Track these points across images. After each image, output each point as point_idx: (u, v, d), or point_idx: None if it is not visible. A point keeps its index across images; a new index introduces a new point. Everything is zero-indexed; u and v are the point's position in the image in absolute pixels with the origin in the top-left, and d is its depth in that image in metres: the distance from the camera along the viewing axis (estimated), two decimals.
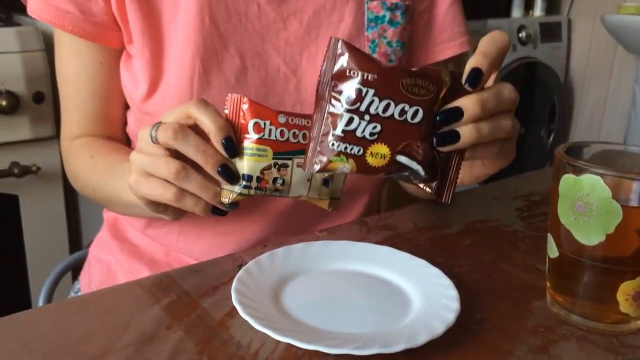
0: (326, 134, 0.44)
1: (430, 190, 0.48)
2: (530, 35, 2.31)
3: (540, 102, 2.42)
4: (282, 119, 0.49)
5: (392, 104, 0.44)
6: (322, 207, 0.52)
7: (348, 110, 0.44)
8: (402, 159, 0.45)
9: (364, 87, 0.43)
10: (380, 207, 0.89)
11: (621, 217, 0.44)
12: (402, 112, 0.44)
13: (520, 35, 2.29)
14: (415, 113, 0.44)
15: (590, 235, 0.45)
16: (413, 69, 0.45)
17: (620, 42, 2.24)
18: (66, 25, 0.65)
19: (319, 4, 0.68)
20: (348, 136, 0.44)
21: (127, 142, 0.76)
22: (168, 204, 0.52)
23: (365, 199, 0.78)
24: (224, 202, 0.50)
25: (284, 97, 0.67)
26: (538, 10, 2.48)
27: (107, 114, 0.72)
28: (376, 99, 0.44)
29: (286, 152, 0.48)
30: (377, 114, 0.44)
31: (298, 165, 0.49)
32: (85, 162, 0.68)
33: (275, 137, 0.48)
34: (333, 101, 0.44)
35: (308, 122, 0.49)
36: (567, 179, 0.46)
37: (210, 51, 0.64)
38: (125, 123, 0.74)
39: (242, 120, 0.49)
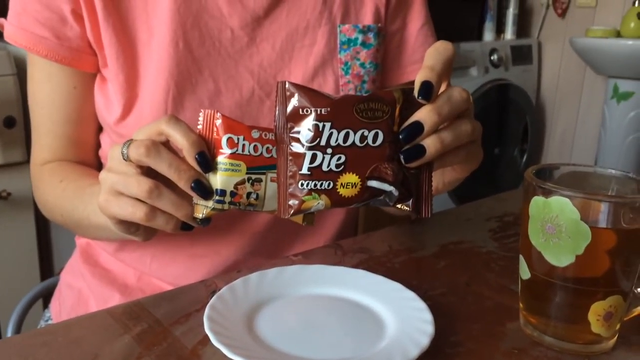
0: (293, 176, 0.45)
1: (408, 208, 0.48)
2: (502, 58, 2.35)
3: (513, 122, 2.46)
4: (255, 134, 0.49)
5: (351, 132, 0.44)
6: (297, 222, 0.52)
7: (309, 148, 0.44)
8: (373, 183, 0.45)
9: (320, 121, 0.44)
10: (357, 227, 0.89)
11: (590, 239, 0.44)
12: (363, 137, 0.44)
13: (492, 57, 2.33)
14: (376, 136, 0.45)
15: (560, 256, 0.46)
16: (364, 94, 0.45)
17: (588, 64, 2.30)
18: (41, 50, 0.65)
19: (291, 28, 0.69)
20: (315, 173, 0.44)
21: (98, 166, 0.75)
22: (139, 224, 0.51)
23: (340, 217, 0.78)
24: (197, 218, 0.49)
25: (259, 119, 0.68)
26: (509, 34, 2.54)
27: (80, 138, 0.71)
28: (334, 131, 0.44)
29: (260, 166, 0.48)
30: (339, 144, 0.44)
31: (272, 180, 0.49)
32: (54, 186, 0.67)
33: (249, 152, 0.49)
34: (292, 143, 0.45)
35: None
36: (537, 201, 0.47)
37: (184, 74, 0.65)
38: (98, 146, 0.74)
39: (215, 136, 0.49)
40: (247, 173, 0.48)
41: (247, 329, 0.48)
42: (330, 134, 0.44)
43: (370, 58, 0.72)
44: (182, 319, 0.52)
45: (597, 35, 2.24)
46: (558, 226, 0.45)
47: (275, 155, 0.49)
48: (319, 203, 0.45)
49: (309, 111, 0.44)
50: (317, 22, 0.70)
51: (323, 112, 0.44)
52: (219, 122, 0.49)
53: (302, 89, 0.45)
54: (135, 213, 0.49)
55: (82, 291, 0.75)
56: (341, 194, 0.45)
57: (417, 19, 0.78)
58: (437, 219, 0.79)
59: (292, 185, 0.45)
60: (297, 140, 0.45)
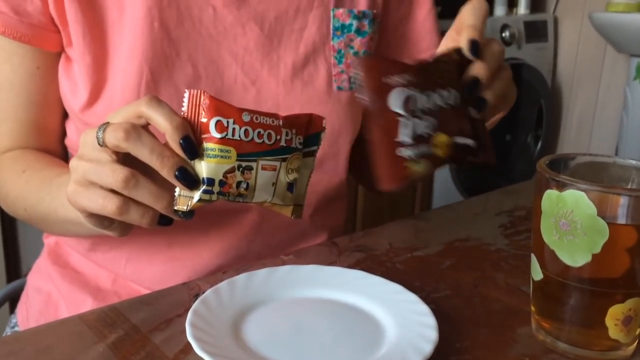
0: (392, 145, 0.50)
1: (476, 159, 0.55)
2: (514, 35, 2.35)
3: (526, 106, 2.47)
4: (246, 117, 0.48)
5: (436, 95, 0.52)
6: (285, 215, 0.52)
7: (406, 116, 0.50)
8: (459, 140, 0.53)
9: (409, 89, 0.51)
10: (355, 224, 0.90)
11: (608, 236, 0.45)
12: (445, 98, 0.53)
13: (503, 34, 2.33)
14: (454, 95, 0.54)
15: (575, 255, 0.46)
16: (430, 60, 0.54)
17: (609, 41, 2.30)
18: None
19: (281, 9, 0.69)
20: (416, 139, 0.50)
21: (64, 155, 0.75)
22: (112, 222, 0.51)
23: (336, 218, 0.78)
24: (180, 210, 0.49)
25: None
26: (522, 8, 2.53)
27: (44, 124, 0.71)
28: (422, 96, 0.51)
29: (251, 153, 0.48)
30: (428, 108, 0.51)
31: (262, 168, 0.49)
32: (15, 177, 0.67)
33: (239, 136, 0.48)
34: (384, 113, 0.50)
35: (274, 121, 0.49)
36: (550, 195, 0.47)
37: (159, 58, 0.64)
38: (63, 134, 0.74)
39: (202, 119, 0.48)
40: (237, 160, 0.48)
41: (234, 336, 0.49)
42: (418, 99, 0.51)
43: (364, 47, 0.72)
44: (162, 325, 0.52)
45: (618, 9, 2.24)
46: (573, 222, 0.46)
47: (267, 141, 0.49)
48: (421, 167, 0.50)
49: (397, 81, 0.51)
50: (309, 4, 0.70)
51: (409, 80, 0.51)
52: (206, 103, 0.48)
53: (382, 60, 0.52)
54: (107, 206, 0.48)
55: (51, 295, 0.75)
56: (437, 155, 0.51)
57: (424, 4, 0.78)
58: (442, 214, 0.80)
59: (393, 154, 0.50)
60: (389, 110, 0.50)
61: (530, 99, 2.47)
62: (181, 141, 0.47)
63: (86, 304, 0.71)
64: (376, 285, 0.56)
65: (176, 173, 0.47)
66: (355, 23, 0.71)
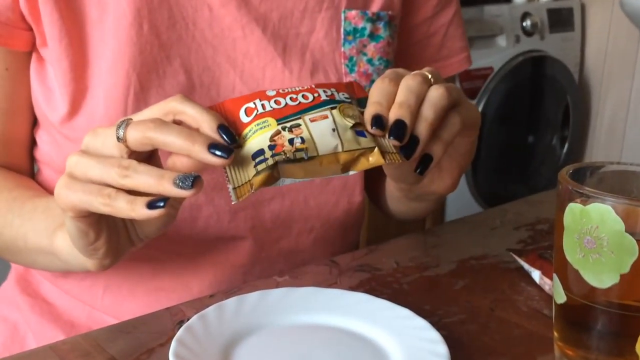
0: None
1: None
2: (536, 24, 2.37)
3: (550, 104, 2.48)
4: (270, 92, 0.51)
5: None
6: (377, 162, 0.50)
7: None
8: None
9: None
10: (358, 240, 0.91)
11: (637, 254, 0.46)
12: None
13: (524, 23, 2.35)
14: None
15: (601, 276, 0.47)
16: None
17: None
18: None
19: (286, 9, 0.69)
20: None
21: (30, 169, 0.75)
22: (100, 233, 0.51)
23: (348, 237, 0.78)
24: (240, 197, 0.48)
25: None
26: None
27: (11, 135, 0.71)
28: None
29: (290, 114, 0.50)
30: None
31: (312, 120, 0.50)
32: None
33: (271, 107, 0.50)
34: None
35: (304, 86, 0.52)
36: (573, 209, 0.48)
37: (149, 65, 0.65)
38: (31, 145, 0.73)
39: (229, 115, 0.51)
40: (278, 124, 0.49)
41: None
42: None
43: (379, 53, 0.72)
44: (142, 356, 0.53)
45: None
46: (599, 239, 0.47)
47: (304, 100, 0.51)
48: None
49: None
50: (318, 4, 0.70)
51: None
52: (231, 102, 0.51)
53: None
54: (95, 199, 0.47)
55: (17, 326, 0.75)
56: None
57: (449, 7, 0.79)
58: (455, 228, 0.81)
59: None
60: None
61: (556, 96, 2.48)
62: (219, 129, 0.48)
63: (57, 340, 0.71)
64: (381, 309, 0.57)
65: (209, 148, 0.47)
66: (369, 26, 0.71)
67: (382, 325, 0.55)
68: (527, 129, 2.46)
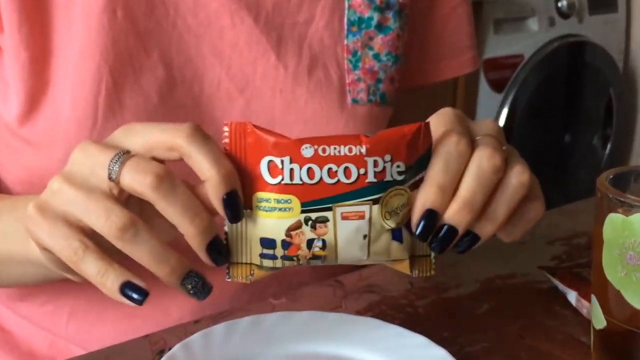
0: None
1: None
2: (573, 5, 2.37)
3: (591, 97, 2.48)
4: (307, 152, 0.47)
5: None
6: (402, 270, 0.51)
7: None
8: None
9: None
10: None
11: None
12: None
13: (560, 4, 2.35)
14: None
15: None
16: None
17: None
18: None
19: None
20: None
21: None
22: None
23: None
24: (236, 279, 0.50)
25: None
26: None
27: None
28: None
29: (321, 199, 0.47)
30: None
31: (343, 217, 0.48)
32: None
33: (301, 179, 0.47)
34: None
35: (352, 149, 0.48)
36: (614, 220, 0.49)
37: (123, 57, 0.65)
38: None
39: (249, 160, 0.48)
40: (302, 212, 0.47)
41: None
42: None
43: (387, 47, 0.72)
44: None
45: None
46: None
47: (345, 179, 0.47)
48: None
49: None
50: None
51: None
52: (251, 137, 0.48)
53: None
54: (60, 249, 0.47)
55: None
56: None
57: None
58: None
59: None
60: None
61: (596, 89, 2.48)
62: (225, 196, 0.47)
63: None
64: (393, 337, 0.58)
65: (208, 246, 0.47)
66: (376, 16, 0.71)
67: (393, 355, 0.56)
68: (564, 126, 2.46)
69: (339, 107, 0.71)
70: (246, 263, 0.49)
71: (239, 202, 0.48)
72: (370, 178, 0.47)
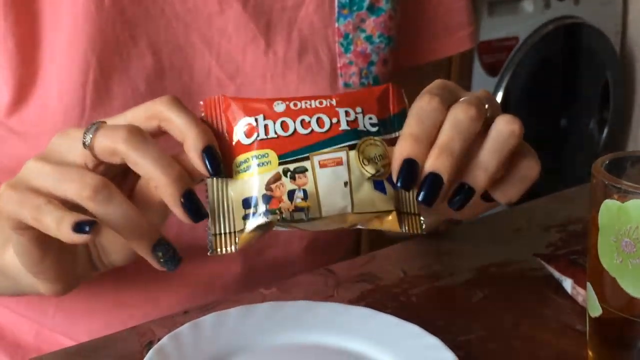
0: None
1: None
2: None
3: (587, 81, 2.48)
4: (279, 107, 0.49)
5: None
6: (391, 228, 0.50)
7: None
8: None
9: None
10: (359, 245, 0.91)
11: None
12: None
13: None
14: None
15: None
16: None
17: None
18: None
19: None
20: None
21: None
22: (44, 254, 0.51)
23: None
24: (219, 251, 0.49)
25: None
26: None
27: None
28: None
29: (297, 149, 0.49)
30: None
31: (322, 165, 0.49)
32: None
33: (276, 133, 0.49)
34: None
35: (322, 102, 0.50)
36: (609, 207, 0.49)
37: (111, 46, 0.65)
38: None
39: (227, 129, 0.50)
40: (280, 163, 0.48)
41: None
42: None
43: (380, 29, 0.72)
44: None
45: None
46: (639, 242, 0.47)
47: (318, 128, 0.49)
48: None
49: None
50: None
51: None
52: (227, 107, 0.50)
53: None
54: (25, 210, 0.47)
55: None
56: None
57: None
58: (473, 231, 0.81)
59: None
60: None
61: (593, 72, 2.48)
62: (203, 150, 0.48)
63: None
64: (386, 326, 0.58)
65: (182, 197, 0.48)
66: None
67: (387, 345, 0.56)
68: (560, 110, 2.46)
69: (331, 91, 0.71)
70: (228, 233, 0.49)
71: (217, 155, 0.48)
72: (344, 126, 0.49)
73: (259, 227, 0.48)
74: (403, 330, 0.57)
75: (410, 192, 0.51)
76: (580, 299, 0.64)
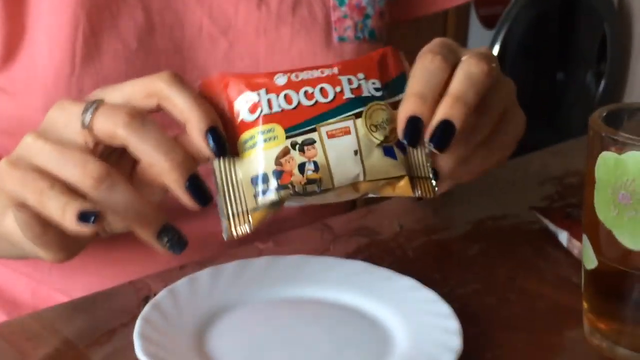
0: None
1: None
2: None
3: (584, 34, 2.47)
4: (280, 80, 0.49)
5: None
6: (404, 193, 0.51)
7: None
8: None
9: None
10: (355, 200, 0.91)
11: None
12: None
13: None
14: None
15: (638, 236, 0.48)
16: None
17: None
18: None
19: None
20: None
21: None
22: (45, 229, 0.50)
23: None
24: (234, 234, 0.49)
25: (209, 69, 0.68)
26: None
27: None
28: None
29: (303, 122, 0.48)
30: None
31: (330, 136, 0.48)
32: None
33: (280, 107, 0.49)
34: None
35: (324, 72, 0.50)
36: (606, 159, 0.49)
37: (100, 2, 0.64)
38: None
39: (227, 108, 0.49)
40: (287, 137, 0.48)
41: (196, 350, 0.51)
42: None
43: None
44: (103, 337, 0.54)
45: None
46: (636, 194, 0.47)
47: (322, 99, 0.49)
48: None
49: None
50: None
51: None
52: (226, 84, 0.49)
53: None
54: (27, 192, 0.47)
55: None
56: None
57: None
58: (469, 185, 0.81)
59: None
60: None
61: (590, 25, 2.47)
62: (207, 131, 0.47)
63: None
64: (382, 279, 0.58)
65: (187, 183, 0.47)
66: None
67: (383, 299, 0.56)
68: (557, 64, 2.45)
69: (325, 45, 0.70)
70: (241, 213, 0.49)
71: (222, 135, 0.48)
72: (348, 94, 0.49)
73: (272, 204, 0.48)
74: (399, 284, 0.57)
75: (420, 156, 0.51)
76: (575, 252, 0.64)
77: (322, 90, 0.49)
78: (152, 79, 0.49)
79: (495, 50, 2.20)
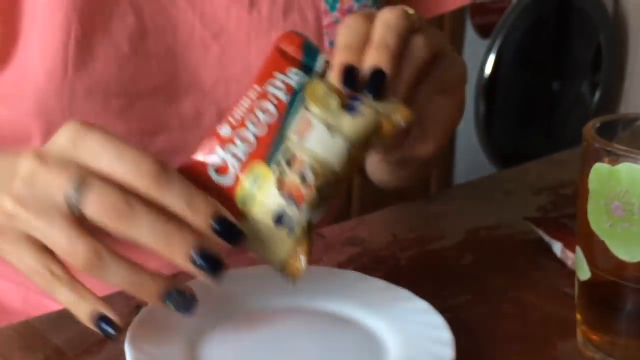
0: None
1: None
2: None
3: (579, 43, 2.48)
4: (225, 131, 0.49)
5: None
6: (391, 133, 0.51)
7: None
8: None
9: None
10: (349, 209, 0.91)
11: None
12: None
13: None
14: None
15: (632, 248, 0.48)
16: None
17: None
18: None
19: None
20: None
21: None
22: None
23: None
24: (298, 274, 0.50)
25: (201, 73, 0.68)
26: None
27: None
28: None
29: (271, 144, 0.49)
30: None
31: (301, 136, 0.49)
32: None
33: (244, 151, 0.48)
34: None
35: (249, 97, 0.50)
36: (599, 170, 0.49)
37: (92, 5, 0.64)
38: None
39: (210, 188, 0.48)
40: (269, 165, 0.48)
41: (188, 359, 0.51)
42: None
43: None
44: (93, 347, 0.54)
45: None
46: (629, 205, 0.48)
47: (267, 118, 0.49)
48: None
49: None
50: None
51: None
52: (193, 166, 0.49)
53: None
54: (35, 275, 0.47)
55: None
56: None
57: None
58: (463, 194, 0.81)
59: None
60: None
61: (586, 34, 2.47)
62: (214, 224, 0.46)
63: None
64: (375, 290, 0.58)
65: (192, 253, 0.46)
66: None
67: (375, 309, 0.56)
68: (552, 73, 2.45)
69: None
70: (288, 255, 0.50)
71: (231, 220, 0.47)
72: (284, 97, 0.50)
73: (310, 228, 0.49)
74: (392, 294, 0.57)
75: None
76: (569, 263, 0.64)
77: (263, 111, 0.49)
78: (137, 171, 0.45)
79: (491, 60, 2.20)
